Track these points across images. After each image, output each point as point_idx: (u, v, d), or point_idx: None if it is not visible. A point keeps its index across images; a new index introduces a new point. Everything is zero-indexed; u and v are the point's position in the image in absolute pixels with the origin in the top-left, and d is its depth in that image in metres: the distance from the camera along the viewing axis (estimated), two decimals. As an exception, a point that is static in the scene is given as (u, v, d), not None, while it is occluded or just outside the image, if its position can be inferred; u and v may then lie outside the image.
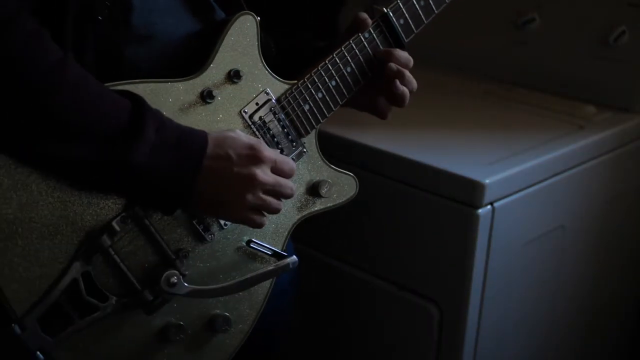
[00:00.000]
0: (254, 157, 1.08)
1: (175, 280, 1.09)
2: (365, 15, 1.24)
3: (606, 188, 1.78)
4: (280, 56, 1.28)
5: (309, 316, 1.83)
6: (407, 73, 1.23)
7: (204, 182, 1.05)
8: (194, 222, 1.12)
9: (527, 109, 1.84)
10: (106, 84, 1.04)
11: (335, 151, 1.65)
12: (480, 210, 1.48)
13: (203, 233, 1.13)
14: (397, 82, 1.22)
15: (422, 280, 1.59)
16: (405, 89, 1.23)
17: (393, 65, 1.22)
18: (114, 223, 1.05)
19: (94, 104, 1.00)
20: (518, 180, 1.55)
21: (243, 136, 1.09)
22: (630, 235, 1.91)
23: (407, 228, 1.59)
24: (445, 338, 1.58)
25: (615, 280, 1.93)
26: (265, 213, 1.12)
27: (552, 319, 1.77)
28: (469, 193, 1.48)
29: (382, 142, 1.61)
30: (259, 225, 1.12)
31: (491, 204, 1.50)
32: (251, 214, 1.10)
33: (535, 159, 1.58)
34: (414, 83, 1.24)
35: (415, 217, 1.57)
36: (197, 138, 1.06)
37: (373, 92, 1.26)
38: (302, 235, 1.79)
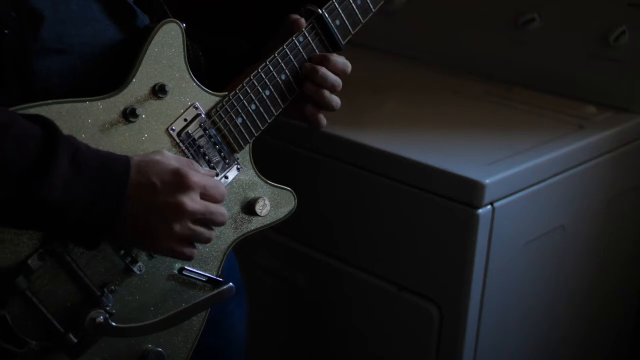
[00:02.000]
0: (180, 184, 0.99)
1: (102, 320, 1.00)
2: (297, 16, 1.16)
3: (606, 188, 1.77)
4: (209, 64, 1.21)
5: (309, 316, 1.82)
6: (322, 69, 1.15)
7: (127, 213, 0.96)
8: (120, 253, 1.03)
9: (527, 109, 1.83)
10: (17, 107, 0.95)
11: (335, 151, 1.65)
12: (480, 210, 1.48)
13: (130, 265, 1.04)
14: (308, 82, 1.15)
15: (422, 280, 1.59)
16: (318, 89, 1.15)
17: (307, 64, 1.15)
18: (30, 261, 0.95)
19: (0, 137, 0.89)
20: (518, 180, 1.55)
21: (171, 158, 1.01)
22: (630, 235, 1.91)
23: (407, 228, 1.59)
24: (445, 338, 1.58)
25: (615, 280, 1.93)
26: (196, 243, 1.04)
27: (552, 319, 1.77)
28: (469, 193, 1.48)
29: (382, 142, 1.61)
30: (189, 258, 1.03)
31: (491, 204, 1.50)
32: (180, 246, 1.01)
33: (535, 159, 1.58)
34: (334, 80, 1.16)
35: (415, 217, 1.57)
36: (118, 165, 0.97)
37: (301, 98, 1.18)
38: (301, 235, 1.80)
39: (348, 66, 1.18)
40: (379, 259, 1.65)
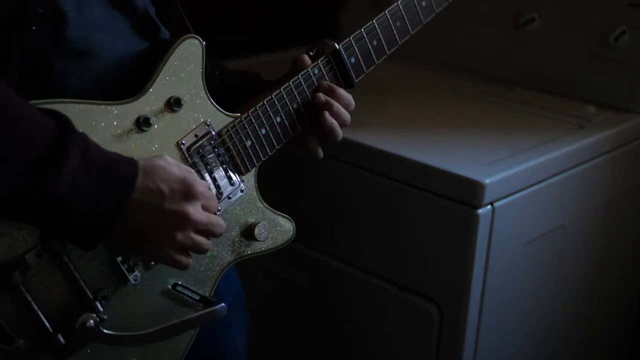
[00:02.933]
0: (187, 193, 0.98)
1: (92, 325, 0.99)
2: (306, 58, 1.18)
3: (606, 188, 1.77)
4: (225, 85, 1.22)
5: (309, 316, 1.83)
6: (337, 105, 1.17)
7: (130, 217, 0.95)
8: (117, 260, 1.03)
9: (527, 109, 1.84)
10: (35, 101, 0.95)
11: (335, 151, 1.65)
12: (480, 210, 1.48)
13: (127, 274, 1.04)
14: (326, 113, 1.16)
15: (422, 280, 1.59)
16: (334, 122, 1.16)
17: (322, 95, 1.16)
18: (27, 257, 0.94)
19: (11, 127, 0.89)
20: (518, 180, 1.55)
21: (174, 166, 1.00)
22: (630, 235, 1.91)
23: (407, 228, 1.59)
24: (445, 338, 1.58)
25: (615, 280, 1.93)
26: (193, 254, 1.03)
27: (552, 319, 1.77)
28: (469, 193, 1.48)
29: (382, 142, 1.61)
30: (185, 267, 1.02)
31: (491, 204, 1.50)
32: (179, 255, 1.01)
33: (535, 159, 1.58)
34: (346, 116, 1.18)
35: (415, 217, 1.57)
36: (125, 168, 0.96)
37: (304, 128, 1.19)
38: (301, 235, 1.80)
39: (352, 103, 1.19)
40: (379, 259, 1.65)
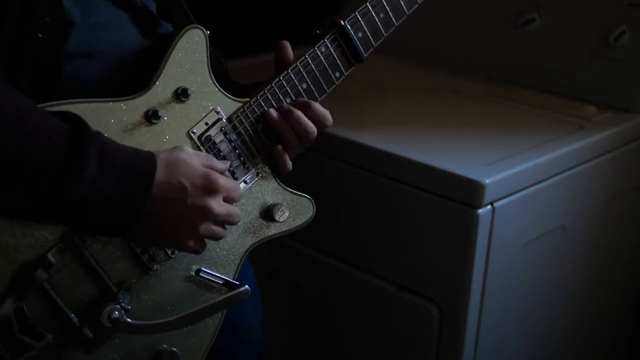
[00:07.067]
0: (209, 188, 1.01)
1: (117, 316, 1.01)
2: (287, 45, 1.17)
3: (606, 188, 1.77)
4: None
5: (309, 316, 1.82)
6: (297, 112, 1.14)
7: (152, 212, 0.98)
8: (137, 251, 1.05)
9: (527, 109, 1.83)
10: (45, 104, 0.97)
11: (335, 151, 1.65)
12: (480, 210, 1.48)
13: (148, 264, 1.06)
14: (278, 147, 1.15)
15: (422, 280, 1.59)
16: (292, 132, 1.15)
17: (273, 112, 1.14)
18: (49, 255, 0.97)
19: (29, 138, 0.90)
20: (518, 180, 1.55)
21: (193, 156, 1.02)
22: (630, 235, 1.91)
23: (407, 228, 1.59)
24: (445, 338, 1.58)
25: (615, 280, 1.93)
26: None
27: (552, 319, 1.77)
28: (469, 193, 1.48)
29: (382, 142, 1.61)
30: (200, 252, 1.06)
31: (491, 204, 1.50)
32: (197, 244, 1.04)
33: (535, 159, 1.58)
34: (308, 127, 1.15)
35: (415, 217, 1.57)
36: (143, 166, 0.98)
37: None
38: (302, 235, 1.80)
39: (328, 118, 1.17)
40: (379, 259, 1.65)
